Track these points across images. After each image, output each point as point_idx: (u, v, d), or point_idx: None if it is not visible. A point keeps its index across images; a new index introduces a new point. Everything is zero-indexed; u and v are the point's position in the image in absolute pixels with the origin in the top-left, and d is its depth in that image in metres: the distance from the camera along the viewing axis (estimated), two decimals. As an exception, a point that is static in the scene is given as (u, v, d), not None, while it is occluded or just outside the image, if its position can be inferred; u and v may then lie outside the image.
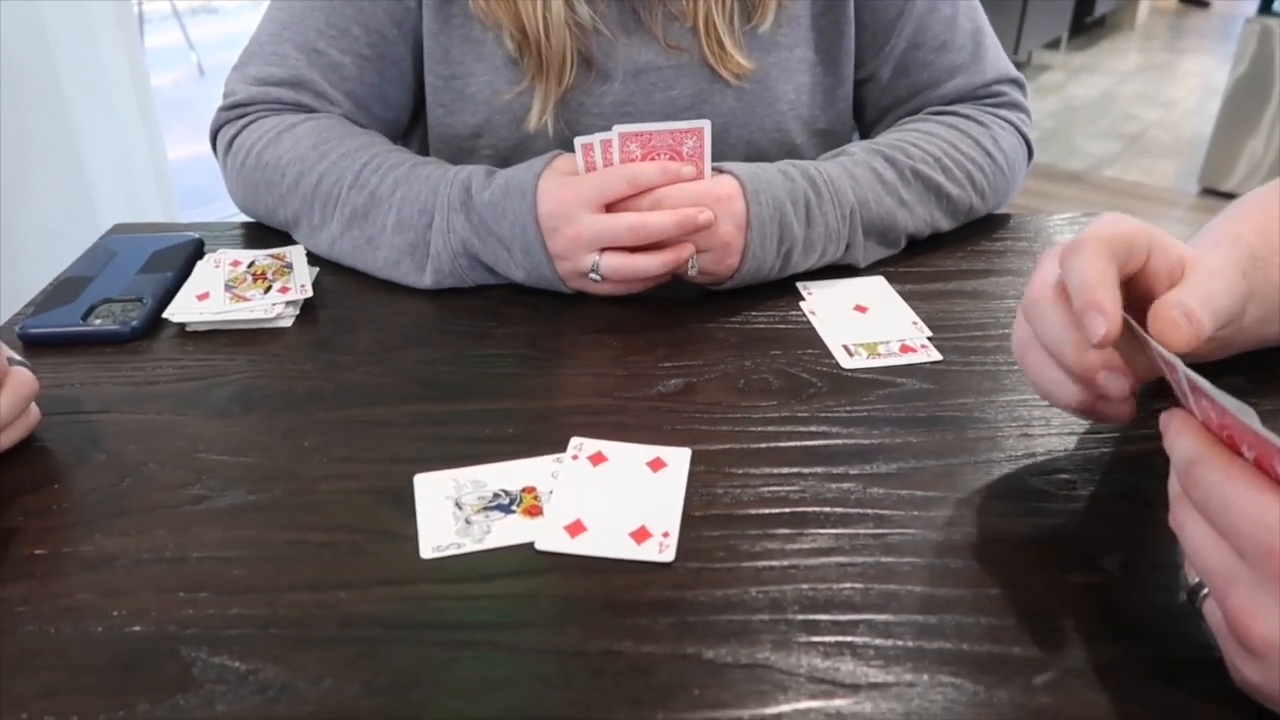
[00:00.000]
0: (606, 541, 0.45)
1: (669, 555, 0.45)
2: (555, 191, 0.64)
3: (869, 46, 0.80)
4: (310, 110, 0.77)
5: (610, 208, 0.64)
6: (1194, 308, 0.43)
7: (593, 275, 0.63)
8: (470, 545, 0.45)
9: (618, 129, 0.64)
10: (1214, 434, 0.35)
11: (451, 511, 0.47)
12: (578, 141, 0.64)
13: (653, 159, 0.64)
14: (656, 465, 0.50)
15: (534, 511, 0.47)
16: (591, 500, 0.48)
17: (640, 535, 0.46)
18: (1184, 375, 0.35)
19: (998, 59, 0.81)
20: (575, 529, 0.46)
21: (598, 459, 0.51)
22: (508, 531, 0.46)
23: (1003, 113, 0.80)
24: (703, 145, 0.65)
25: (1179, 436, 0.36)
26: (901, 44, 0.79)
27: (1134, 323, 0.42)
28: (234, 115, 0.78)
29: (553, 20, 0.71)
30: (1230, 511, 0.33)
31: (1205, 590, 0.36)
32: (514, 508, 0.47)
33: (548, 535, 0.46)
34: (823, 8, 0.78)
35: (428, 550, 0.45)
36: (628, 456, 0.51)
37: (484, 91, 0.76)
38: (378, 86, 0.78)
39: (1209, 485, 0.34)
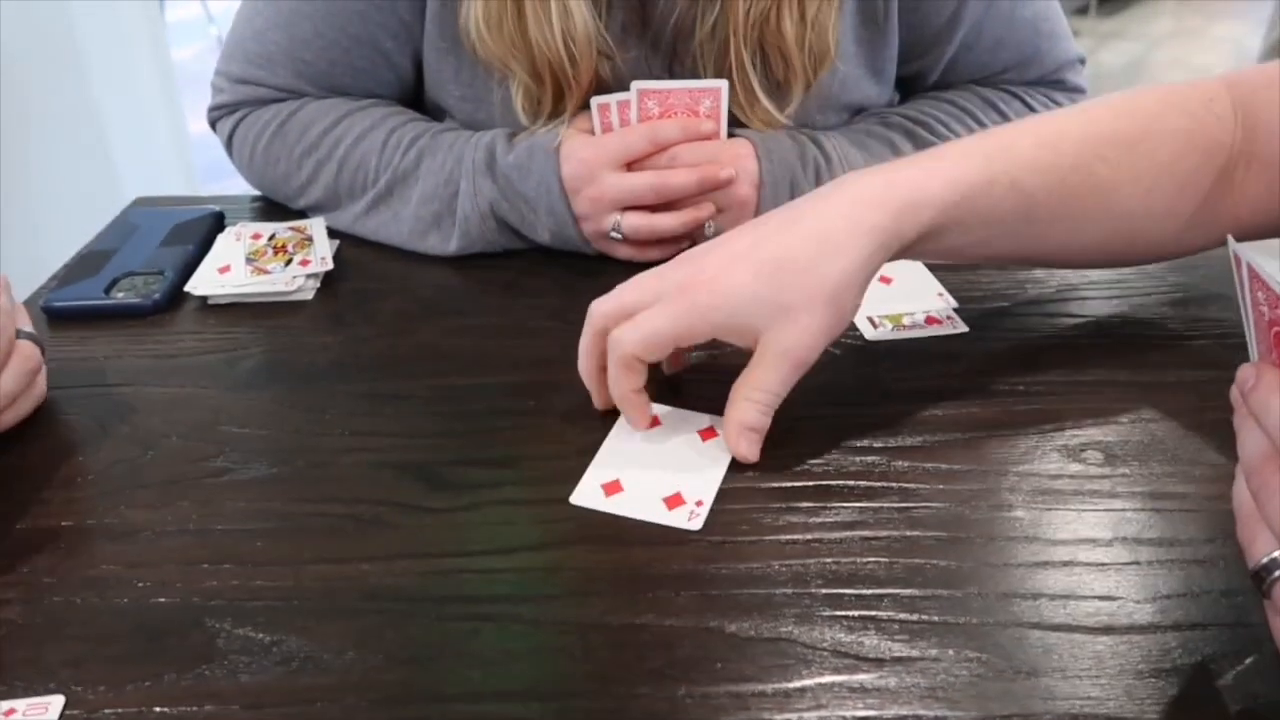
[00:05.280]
0: (640, 504, 0.45)
1: (697, 524, 0.44)
2: (577, 152, 0.64)
3: (915, 47, 0.74)
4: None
5: (631, 166, 0.64)
6: (752, 424, 0.48)
7: (613, 234, 0.64)
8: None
9: (636, 85, 0.64)
10: None
11: None
12: (594, 102, 0.64)
13: (670, 117, 0.64)
14: (707, 435, 0.50)
15: None
16: (634, 461, 0.48)
17: (674, 501, 0.46)
18: None
19: (1056, 45, 0.75)
20: (612, 488, 0.46)
21: (652, 422, 0.50)
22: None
23: (1056, 95, 0.76)
24: (719, 105, 0.64)
25: (1274, 395, 0.34)
26: (952, 49, 0.73)
27: (1253, 262, 0.36)
28: (224, 113, 0.75)
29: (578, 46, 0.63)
30: None
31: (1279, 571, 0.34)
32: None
33: (584, 491, 0.46)
34: (865, 18, 0.71)
35: None
36: (681, 422, 0.51)
37: (494, 120, 0.70)
38: (373, 91, 0.74)
39: None
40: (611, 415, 0.51)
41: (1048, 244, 0.54)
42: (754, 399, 0.48)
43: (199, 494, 0.47)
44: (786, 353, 0.47)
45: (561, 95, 0.66)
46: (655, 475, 0.47)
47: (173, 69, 2.00)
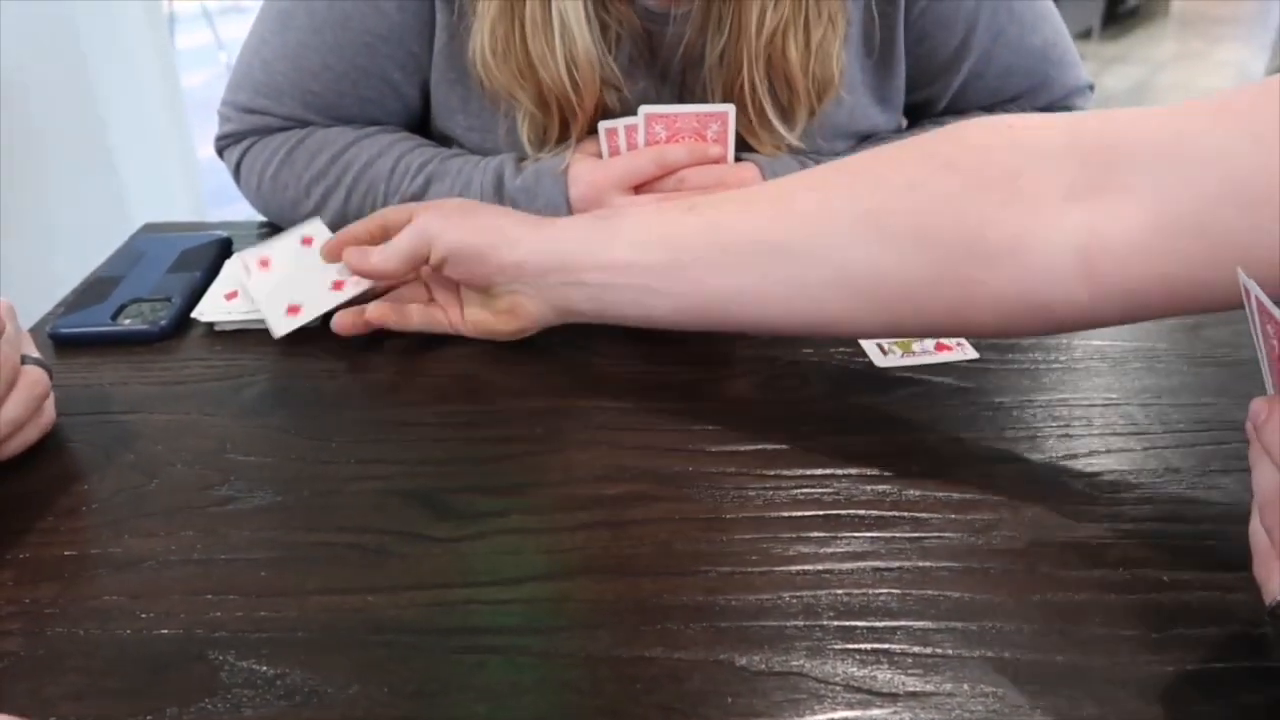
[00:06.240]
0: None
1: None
2: (585, 175, 0.64)
3: (922, 76, 0.74)
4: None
5: (638, 189, 0.64)
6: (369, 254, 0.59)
7: None
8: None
9: (644, 110, 0.64)
10: None
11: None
12: (601, 126, 0.65)
13: (677, 142, 0.64)
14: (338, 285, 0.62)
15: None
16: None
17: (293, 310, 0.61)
18: None
19: (1065, 73, 0.75)
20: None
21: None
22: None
23: None
24: (726, 130, 0.65)
25: None
26: (960, 78, 0.73)
27: (1260, 296, 0.35)
28: (231, 142, 0.76)
29: (582, 77, 0.64)
30: None
31: None
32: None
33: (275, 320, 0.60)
34: (871, 48, 0.71)
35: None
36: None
37: (500, 150, 0.71)
38: (379, 120, 0.74)
39: None
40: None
41: (773, 291, 0.49)
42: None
43: (203, 523, 0.47)
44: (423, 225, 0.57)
45: (567, 124, 0.66)
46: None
47: (182, 95, 2.01)
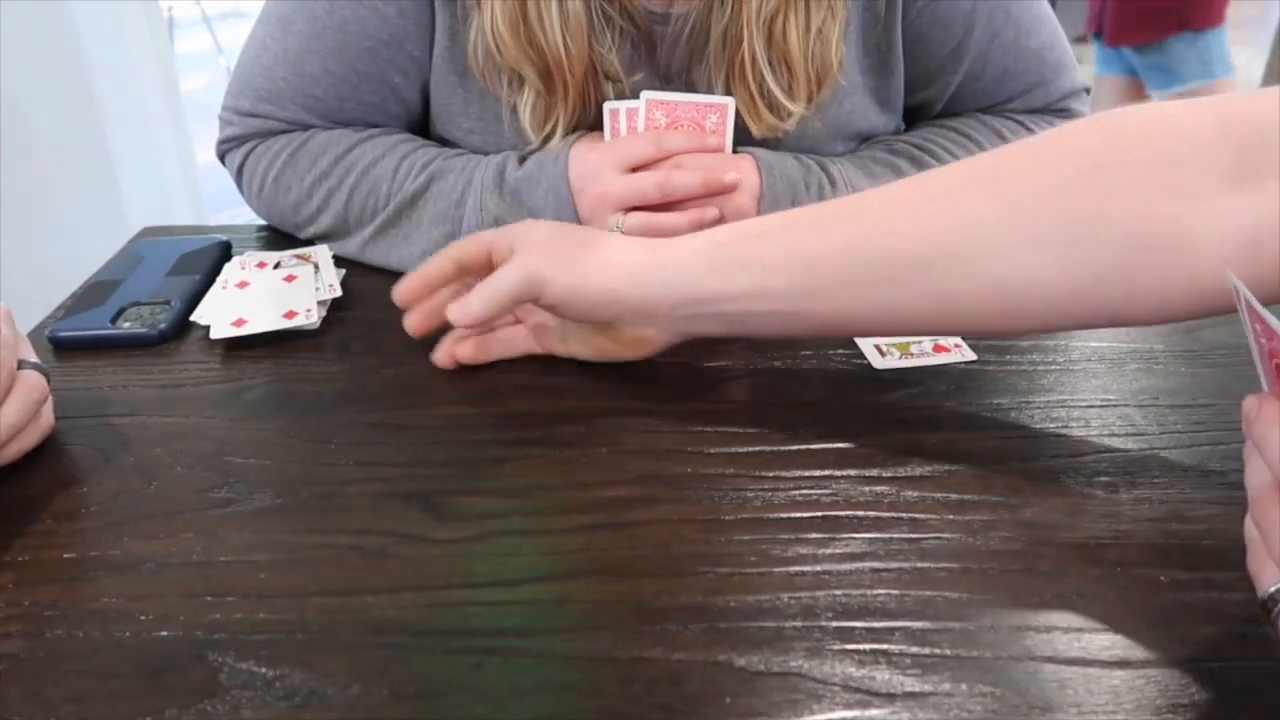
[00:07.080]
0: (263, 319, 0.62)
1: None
2: (584, 155, 0.65)
3: (920, 77, 0.74)
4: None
5: (636, 172, 0.65)
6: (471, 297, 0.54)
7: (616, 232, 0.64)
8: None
9: (645, 95, 0.65)
10: None
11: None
12: (607, 107, 0.66)
13: (676, 129, 0.65)
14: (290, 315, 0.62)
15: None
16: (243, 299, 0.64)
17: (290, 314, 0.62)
18: None
19: (1061, 75, 0.75)
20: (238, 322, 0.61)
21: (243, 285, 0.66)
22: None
23: (1060, 124, 0.76)
24: (725, 121, 0.66)
25: (1274, 428, 0.33)
26: (957, 79, 0.74)
27: (1249, 297, 0.36)
28: (233, 145, 0.76)
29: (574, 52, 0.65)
30: None
31: None
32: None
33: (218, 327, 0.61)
34: (869, 48, 0.72)
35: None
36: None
37: (504, 147, 0.71)
38: (380, 124, 0.74)
39: None
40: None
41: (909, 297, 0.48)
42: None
43: (203, 525, 0.47)
44: (524, 259, 0.53)
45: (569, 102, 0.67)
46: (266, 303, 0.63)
47: (181, 100, 2.01)
